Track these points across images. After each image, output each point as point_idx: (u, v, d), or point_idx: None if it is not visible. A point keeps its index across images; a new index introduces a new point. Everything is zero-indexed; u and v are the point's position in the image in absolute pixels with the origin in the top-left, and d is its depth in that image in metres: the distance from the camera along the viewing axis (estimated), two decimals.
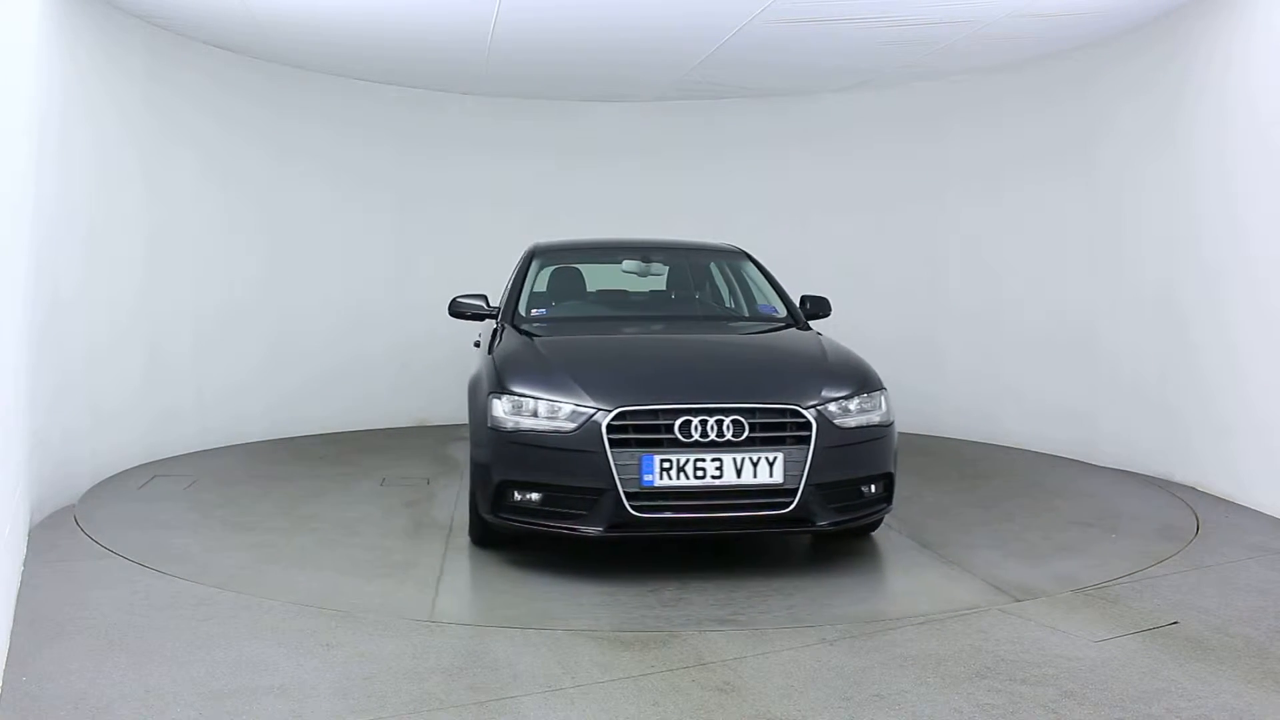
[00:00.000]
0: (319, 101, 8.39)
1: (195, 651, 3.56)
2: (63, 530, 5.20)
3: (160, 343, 7.12)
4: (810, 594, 4.30)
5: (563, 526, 4.41)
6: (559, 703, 3.17)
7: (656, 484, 4.28)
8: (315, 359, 8.38)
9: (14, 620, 3.80)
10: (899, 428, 8.39)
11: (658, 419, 4.33)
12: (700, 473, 4.28)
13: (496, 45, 7.24)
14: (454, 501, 5.93)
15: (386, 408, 8.71)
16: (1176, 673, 3.42)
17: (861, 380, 4.76)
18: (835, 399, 4.55)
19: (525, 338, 5.17)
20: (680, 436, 4.30)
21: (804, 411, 4.41)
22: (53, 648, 3.59)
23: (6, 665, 3.41)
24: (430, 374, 8.74)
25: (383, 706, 3.14)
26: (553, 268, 6.25)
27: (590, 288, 6.31)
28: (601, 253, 6.53)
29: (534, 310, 5.76)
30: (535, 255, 6.18)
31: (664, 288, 6.49)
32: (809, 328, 5.63)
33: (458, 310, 5.79)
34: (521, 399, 4.51)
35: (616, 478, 4.27)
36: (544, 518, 4.46)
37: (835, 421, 4.49)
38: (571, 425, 4.37)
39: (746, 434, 4.33)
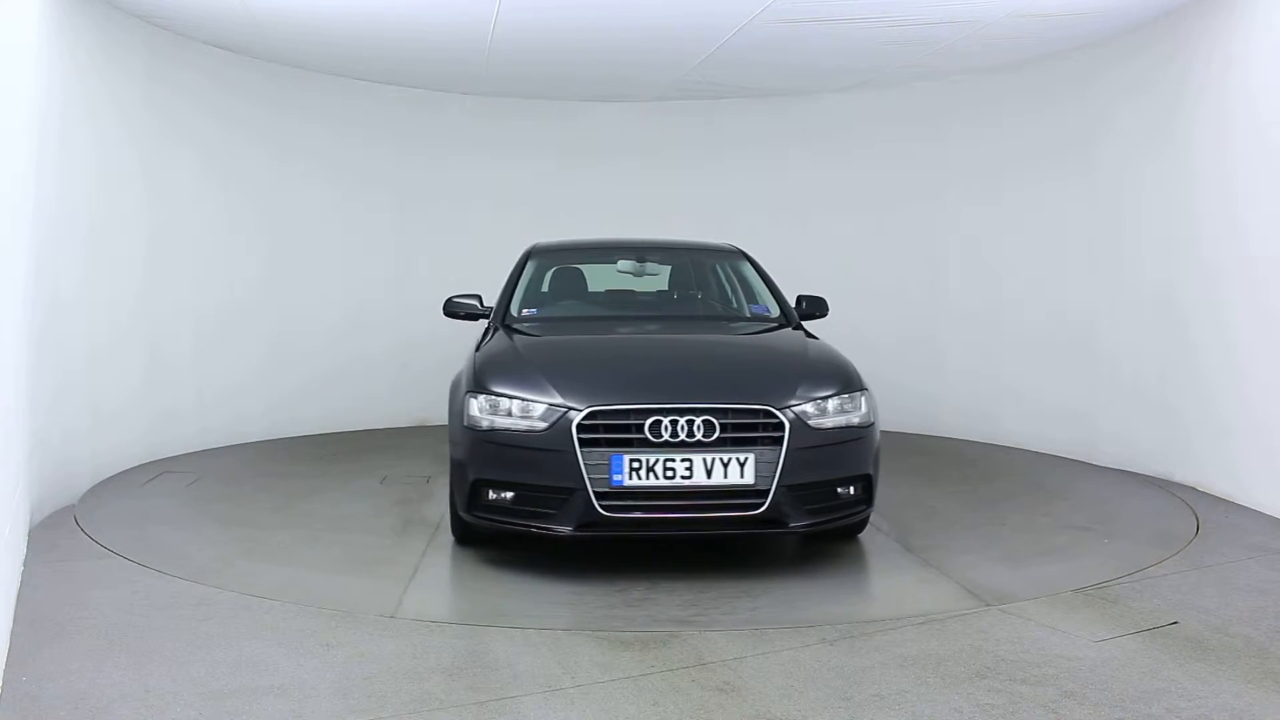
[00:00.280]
0: (319, 101, 8.39)
1: (195, 651, 3.56)
2: (63, 530, 5.20)
3: (160, 343, 7.12)
4: (778, 596, 4.27)
5: (534, 525, 4.45)
6: (559, 703, 3.17)
7: (626, 484, 4.28)
8: (315, 359, 8.38)
9: (14, 620, 3.80)
10: (899, 427, 8.56)
11: (628, 419, 4.33)
12: (670, 473, 4.28)
13: (496, 45, 7.24)
14: (447, 501, 5.94)
15: (387, 408, 8.71)
16: (1176, 673, 3.42)
17: (842, 381, 4.72)
18: (812, 399, 4.52)
19: (508, 338, 5.21)
20: (650, 436, 4.30)
21: (777, 412, 4.39)
22: (53, 648, 3.59)
23: (6, 665, 3.41)
24: (431, 374, 8.70)
25: (383, 706, 3.14)
26: (550, 268, 6.25)
27: (592, 288, 6.31)
28: (599, 253, 6.53)
29: (525, 310, 5.78)
30: (532, 255, 6.20)
31: (666, 288, 6.49)
32: (801, 328, 5.60)
33: (452, 310, 5.82)
34: (497, 398, 4.54)
35: (586, 477, 4.28)
36: (517, 516, 4.49)
37: (810, 422, 4.46)
38: (544, 425, 4.39)
39: (717, 434, 4.31)
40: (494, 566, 4.69)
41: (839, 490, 4.58)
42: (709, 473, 4.29)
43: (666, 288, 6.49)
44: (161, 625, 3.83)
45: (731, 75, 8.13)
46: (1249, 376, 5.90)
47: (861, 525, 5.05)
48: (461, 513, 4.70)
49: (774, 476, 4.33)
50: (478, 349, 5.17)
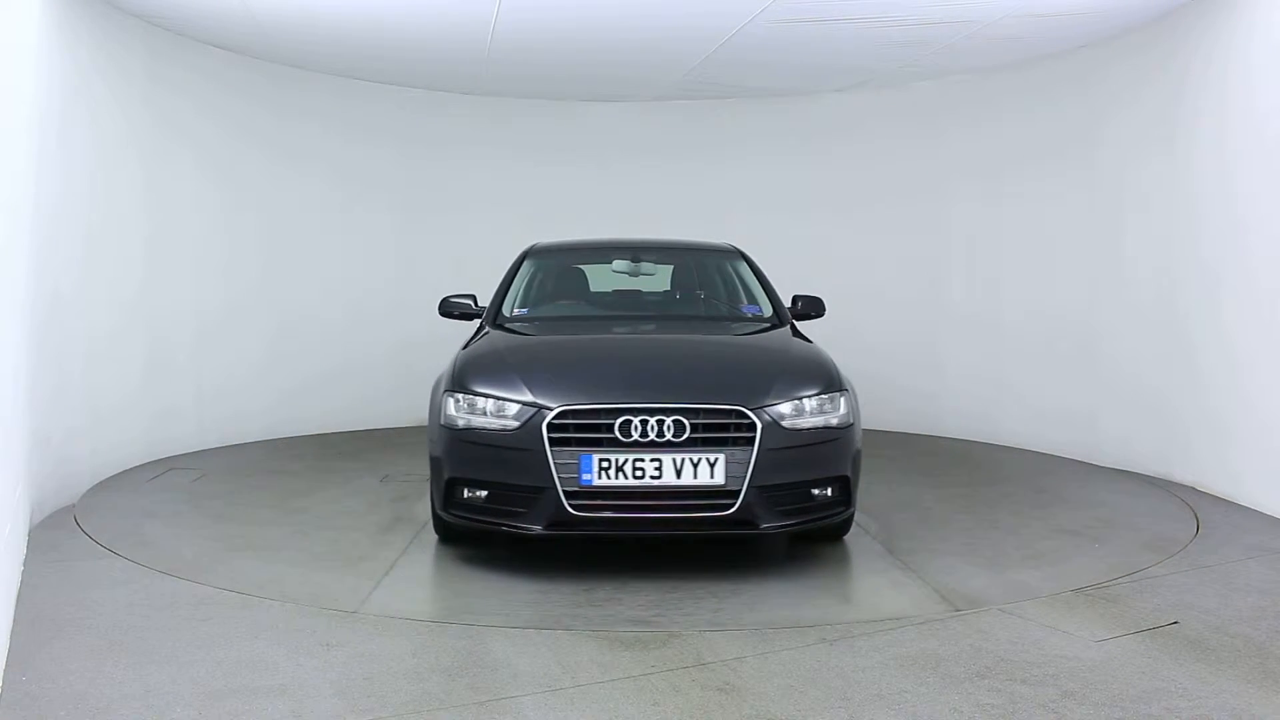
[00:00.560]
0: (319, 101, 8.39)
1: (195, 651, 3.56)
2: (63, 530, 5.20)
3: (160, 342, 7.12)
4: (745, 598, 4.23)
5: (505, 524, 4.47)
6: (559, 703, 3.17)
7: (595, 483, 4.28)
8: (315, 358, 8.39)
9: (14, 620, 3.80)
10: (899, 428, 8.55)
11: (599, 418, 4.33)
12: (639, 473, 4.27)
13: (496, 45, 7.24)
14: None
15: (387, 407, 8.71)
16: (1176, 673, 3.42)
17: (821, 381, 4.68)
18: (788, 400, 4.49)
19: (493, 337, 5.24)
20: (620, 436, 4.29)
21: (749, 412, 4.36)
22: (53, 648, 3.59)
23: (6, 665, 3.41)
24: (432, 374, 8.67)
25: (383, 706, 3.14)
26: (546, 268, 6.26)
27: (593, 288, 6.31)
28: (596, 253, 6.52)
29: (517, 310, 5.80)
30: (529, 255, 6.23)
31: (663, 288, 6.49)
32: (793, 328, 5.57)
33: (447, 310, 5.85)
34: (473, 398, 4.57)
35: (556, 476, 4.28)
36: (490, 515, 4.52)
37: (785, 423, 4.42)
38: (516, 424, 4.41)
39: (688, 434, 4.29)
40: (468, 564, 4.74)
41: (814, 492, 4.53)
42: (679, 473, 4.27)
43: (663, 288, 6.48)
44: (161, 625, 3.83)
45: (731, 75, 8.13)
46: (1248, 376, 5.90)
47: (845, 527, 5.00)
48: (439, 511, 4.75)
49: (745, 477, 4.30)
50: (464, 348, 5.20)
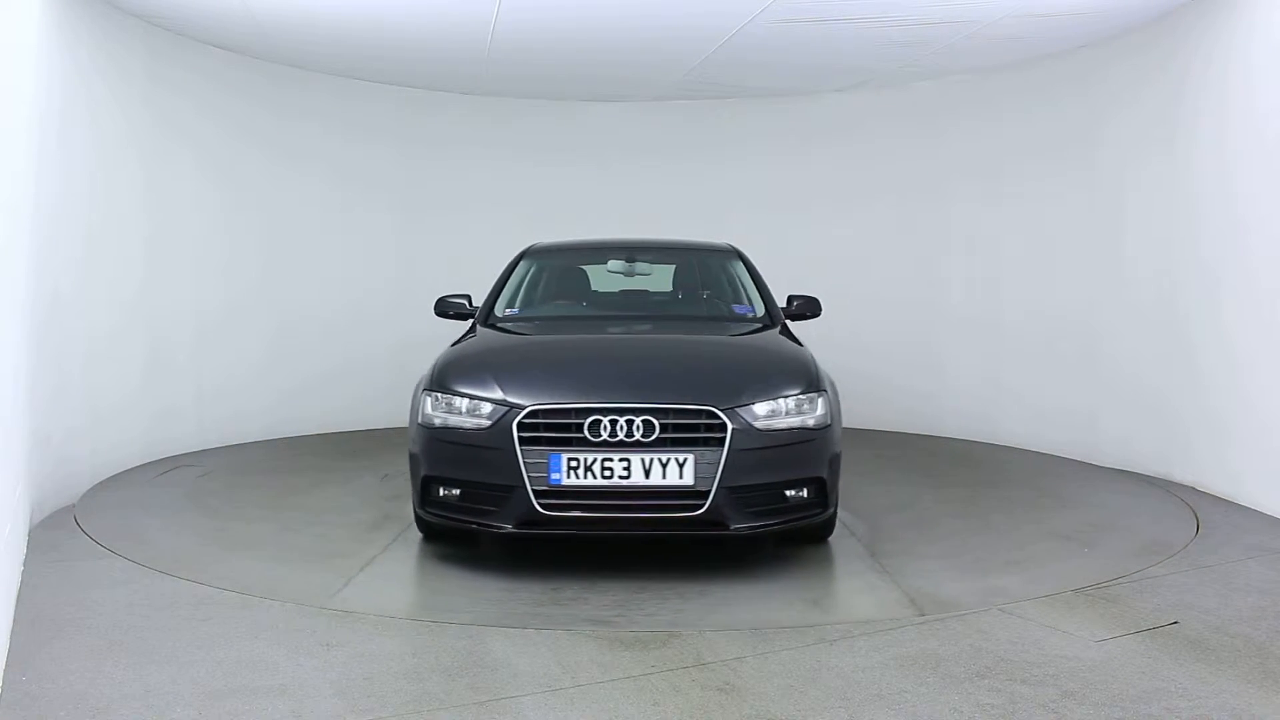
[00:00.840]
0: (319, 101, 8.39)
1: (195, 651, 3.56)
2: (63, 530, 5.20)
3: (160, 342, 7.12)
4: (711, 599, 4.22)
5: (476, 522, 4.50)
6: (559, 703, 3.17)
7: (564, 483, 4.29)
8: (315, 358, 8.39)
9: (14, 620, 3.80)
10: (899, 428, 8.54)
11: (568, 418, 4.34)
12: (608, 473, 4.27)
13: (496, 45, 7.24)
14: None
15: (388, 407, 8.68)
16: (1176, 673, 3.42)
17: (799, 382, 4.63)
18: (762, 400, 4.46)
19: (477, 337, 5.29)
20: (589, 436, 4.29)
21: (719, 413, 4.33)
22: (53, 648, 3.59)
23: (6, 665, 3.41)
24: None
25: (383, 706, 3.14)
26: (542, 268, 6.28)
27: (589, 288, 6.31)
28: (592, 253, 6.51)
29: (508, 310, 5.83)
30: (525, 256, 6.26)
31: (658, 288, 6.49)
32: (784, 328, 5.54)
33: (442, 310, 5.88)
34: (450, 396, 4.60)
35: (525, 476, 4.30)
36: (463, 513, 4.55)
37: (757, 423, 4.39)
38: (488, 423, 4.43)
39: (657, 434, 4.29)
40: (444, 562, 4.78)
41: (788, 493, 4.48)
42: (647, 473, 4.27)
43: (658, 288, 6.48)
44: (161, 625, 3.83)
45: (731, 75, 8.13)
46: (1248, 376, 5.90)
47: (827, 528, 4.97)
48: (416, 509, 4.80)
49: (715, 478, 4.28)
50: (450, 348, 5.24)
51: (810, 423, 4.55)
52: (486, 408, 4.46)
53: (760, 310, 5.80)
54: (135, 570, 4.52)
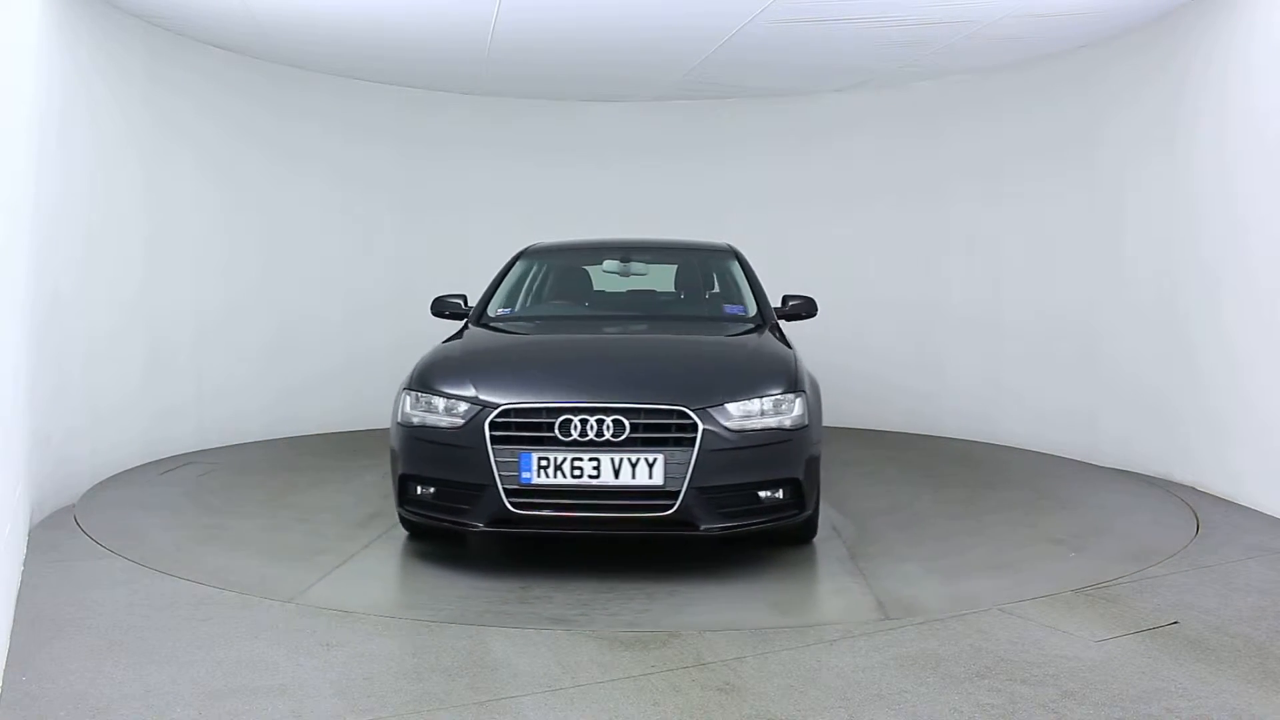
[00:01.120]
0: (319, 101, 8.40)
1: (195, 651, 3.56)
2: (63, 530, 5.20)
3: (160, 342, 7.12)
4: (678, 599, 4.20)
5: (450, 520, 4.53)
6: (559, 703, 3.17)
7: (534, 482, 4.30)
8: (315, 357, 8.39)
9: (14, 620, 3.80)
10: (898, 428, 8.54)
11: (539, 417, 4.35)
12: (578, 472, 4.27)
13: (496, 45, 7.24)
14: None
15: (388, 406, 8.66)
16: (1176, 673, 3.42)
17: (777, 382, 4.59)
18: (737, 400, 4.43)
19: (464, 337, 5.33)
20: (560, 435, 4.30)
21: (690, 413, 4.31)
22: (53, 648, 3.59)
23: (6, 665, 3.41)
24: None
25: (383, 706, 3.14)
26: (538, 268, 6.30)
27: (583, 288, 6.32)
28: (589, 253, 6.51)
29: (501, 310, 5.85)
30: (522, 256, 6.29)
31: (657, 289, 6.48)
32: (775, 329, 5.50)
33: (438, 309, 5.90)
34: (428, 396, 4.63)
35: (496, 474, 4.31)
36: (437, 511, 4.58)
37: (730, 424, 4.36)
38: (461, 422, 4.45)
39: (627, 434, 4.28)
40: (421, 559, 4.82)
41: (762, 494, 4.44)
42: (617, 473, 4.27)
43: (653, 288, 6.48)
44: (161, 625, 3.83)
45: (731, 75, 8.13)
46: (1248, 376, 5.90)
47: (808, 530, 4.94)
48: (396, 507, 4.83)
49: (685, 478, 4.27)
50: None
51: (787, 423, 4.51)
52: (461, 407, 4.48)
53: (753, 310, 5.78)
54: (135, 570, 4.52)
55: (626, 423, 4.29)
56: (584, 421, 4.30)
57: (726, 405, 4.40)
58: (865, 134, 8.86)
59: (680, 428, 4.32)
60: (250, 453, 7.47)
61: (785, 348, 5.11)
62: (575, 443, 4.28)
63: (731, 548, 4.96)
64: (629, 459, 4.26)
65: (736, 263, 6.21)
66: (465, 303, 5.89)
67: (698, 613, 4.05)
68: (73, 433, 5.96)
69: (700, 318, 5.92)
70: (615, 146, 9.36)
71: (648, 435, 4.31)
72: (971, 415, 8.31)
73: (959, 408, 8.41)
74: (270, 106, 8.08)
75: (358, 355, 8.63)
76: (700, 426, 4.30)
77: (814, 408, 4.71)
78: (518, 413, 4.37)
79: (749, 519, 4.45)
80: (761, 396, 4.51)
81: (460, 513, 4.47)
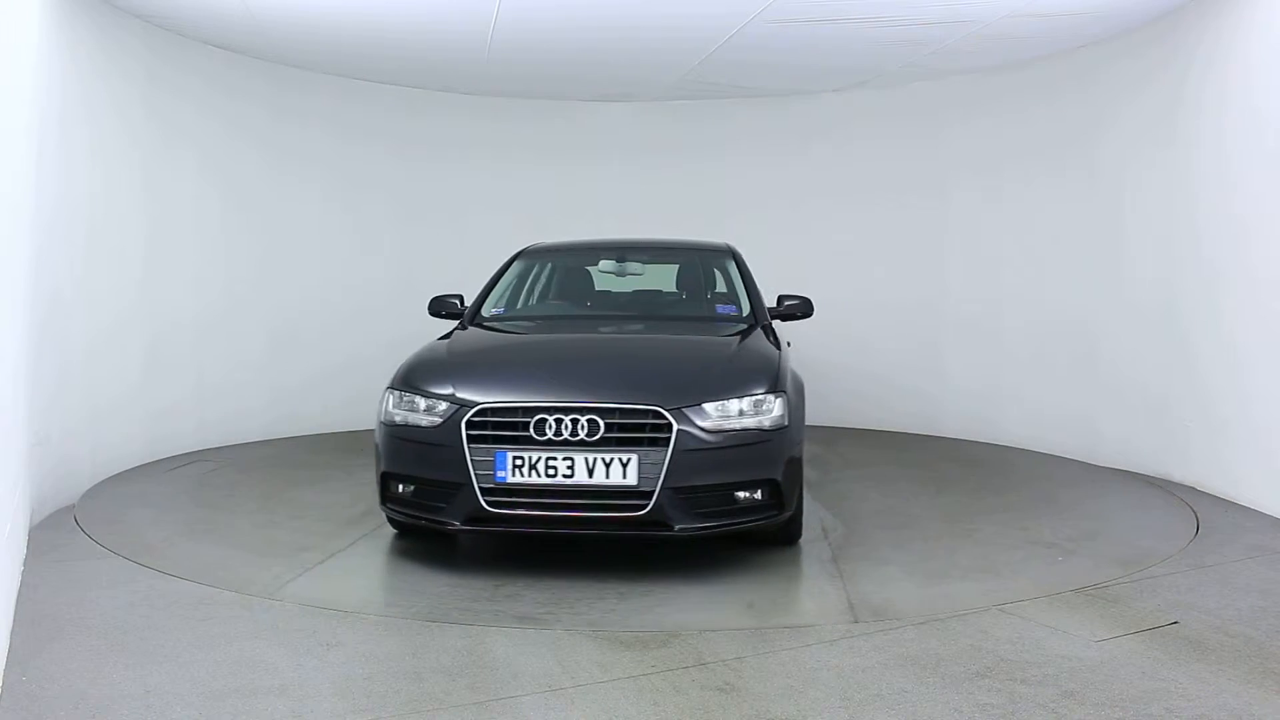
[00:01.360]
0: (319, 101, 8.40)
1: (195, 651, 3.56)
2: (63, 530, 5.20)
3: (160, 341, 7.12)
4: (649, 599, 4.19)
5: (426, 518, 4.55)
6: (559, 703, 3.17)
7: (509, 480, 4.31)
8: (315, 357, 8.39)
9: (14, 620, 3.80)
10: (899, 428, 8.54)
11: (515, 416, 4.36)
12: (551, 471, 4.28)
13: (496, 45, 7.24)
14: None
15: None
16: (1176, 673, 3.42)
17: (757, 383, 4.56)
18: (714, 401, 4.41)
19: (453, 337, 5.36)
20: (534, 434, 4.31)
21: (665, 412, 4.30)
22: (53, 648, 3.59)
23: (6, 665, 3.41)
24: None
25: (383, 706, 3.14)
26: (535, 268, 6.32)
27: (578, 288, 6.32)
28: (586, 254, 6.52)
29: (495, 310, 5.87)
30: (519, 256, 6.31)
31: (653, 288, 6.49)
32: (767, 328, 5.48)
33: (436, 309, 5.93)
34: (410, 395, 4.66)
35: (472, 473, 4.33)
36: (415, 509, 4.61)
37: (706, 424, 4.34)
38: (439, 420, 4.47)
39: (601, 434, 4.29)
40: (402, 557, 4.86)
41: (739, 494, 4.42)
42: (590, 472, 4.27)
43: (648, 288, 6.49)
44: (161, 625, 3.83)
45: (731, 75, 8.13)
46: (1248, 377, 5.90)
47: (792, 531, 4.90)
48: (380, 505, 4.85)
49: (659, 478, 4.26)
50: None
51: (766, 424, 4.47)
52: (441, 406, 4.51)
53: (745, 310, 5.76)
54: (135, 570, 4.52)
55: (601, 422, 4.30)
56: (558, 421, 4.31)
57: (704, 405, 4.39)
58: (865, 134, 8.86)
59: (655, 427, 4.31)
60: (254, 451, 7.49)
61: (772, 348, 5.07)
62: (550, 442, 4.29)
63: (715, 548, 4.94)
64: (603, 459, 4.27)
65: (732, 262, 6.20)
66: (462, 303, 5.91)
67: (665, 612, 4.04)
68: (73, 433, 5.96)
69: (691, 317, 5.92)
70: (615, 146, 9.36)
71: (622, 435, 4.31)
72: (972, 415, 8.30)
73: (959, 408, 8.40)
74: (270, 106, 8.08)
75: (358, 354, 8.62)
76: (675, 426, 4.29)
77: (796, 408, 4.67)
78: (493, 412, 4.39)
79: (726, 520, 4.43)
80: (741, 397, 4.48)
81: (437, 511, 4.49)
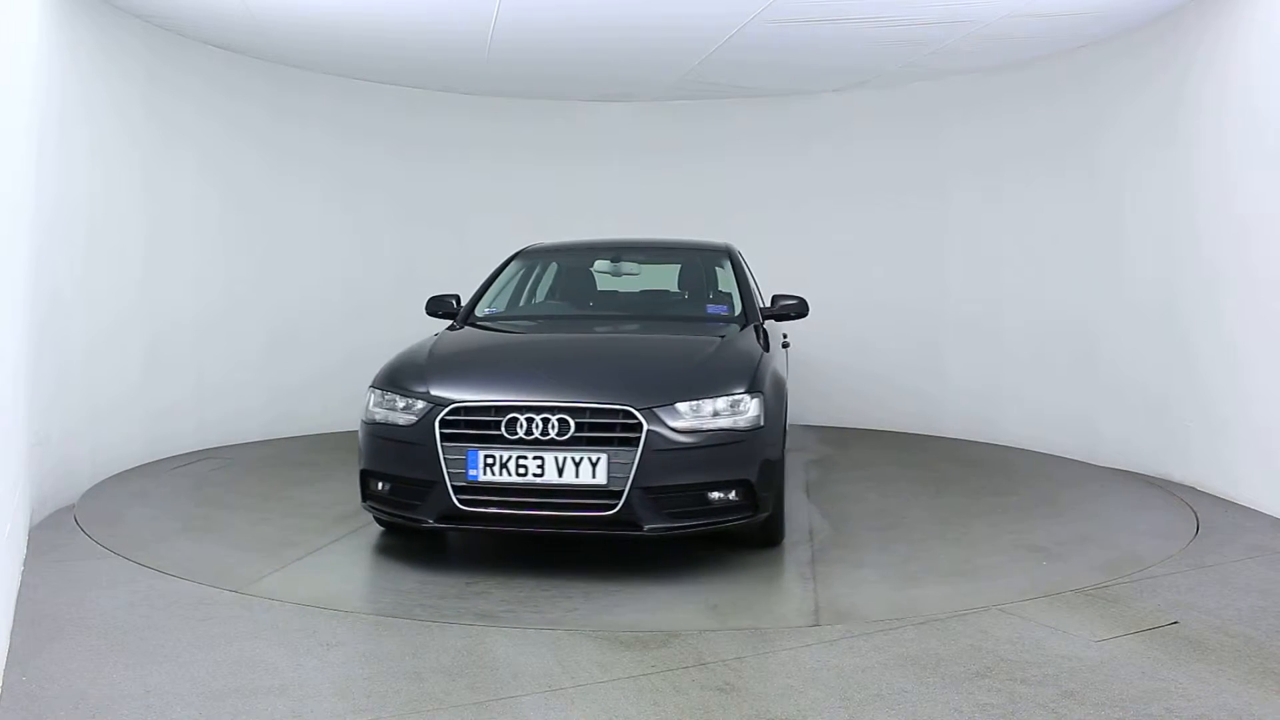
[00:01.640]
0: (319, 101, 8.40)
1: (195, 651, 3.56)
2: (63, 530, 5.20)
3: (160, 341, 7.12)
4: (616, 598, 4.18)
5: (402, 515, 4.59)
6: (559, 703, 3.17)
7: (480, 479, 4.34)
8: (315, 357, 8.39)
9: (14, 620, 3.80)
10: (899, 429, 8.54)
11: (486, 415, 4.39)
12: (522, 470, 4.30)
13: (496, 45, 7.24)
14: None
15: None
16: (1176, 673, 3.42)
17: (734, 383, 4.54)
18: (687, 400, 4.39)
19: (439, 336, 5.39)
20: (505, 433, 4.33)
21: (635, 412, 4.29)
22: (53, 648, 3.59)
23: (6, 665, 3.41)
24: None
25: (383, 706, 3.14)
26: (532, 269, 6.33)
27: (576, 288, 6.32)
28: (583, 254, 6.52)
29: (489, 310, 5.90)
30: (516, 257, 6.34)
31: (648, 288, 6.49)
32: (758, 328, 5.44)
33: (433, 309, 5.97)
34: (390, 394, 4.70)
35: (445, 471, 4.36)
36: (391, 506, 4.66)
37: (678, 424, 4.33)
38: (415, 419, 4.51)
39: (571, 433, 4.30)
40: (381, 553, 4.91)
41: (712, 495, 4.40)
42: (560, 471, 4.28)
43: (643, 288, 6.49)
44: (161, 625, 3.83)
45: (731, 75, 8.13)
46: (1248, 377, 5.90)
47: (772, 532, 4.86)
48: (361, 502, 4.89)
49: (629, 478, 4.25)
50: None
51: (740, 424, 4.45)
52: (418, 405, 4.55)
53: (738, 310, 5.74)
54: (135, 570, 4.52)
55: (571, 421, 4.31)
56: (529, 420, 4.33)
57: (676, 405, 4.38)
58: (865, 134, 8.86)
59: (625, 427, 4.31)
60: (254, 451, 7.50)
61: (755, 348, 5.03)
62: (521, 441, 4.32)
63: (692, 548, 4.91)
64: (573, 458, 4.28)
65: (729, 261, 6.19)
66: (458, 302, 5.94)
67: (625, 613, 4.02)
68: (73, 433, 5.96)
69: (679, 317, 5.91)
70: (615, 146, 9.37)
71: (592, 435, 4.31)
72: (972, 415, 8.30)
73: (959, 408, 8.40)
74: (270, 106, 8.08)
75: (358, 354, 8.59)
76: (645, 426, 4.29)
77: (773, 409, 4.65)
78: (466, 411, 4.42)
79: (698, 520, 4.42)
80: (716, 396, 4.47)
81: (412, 508, 4.53)
